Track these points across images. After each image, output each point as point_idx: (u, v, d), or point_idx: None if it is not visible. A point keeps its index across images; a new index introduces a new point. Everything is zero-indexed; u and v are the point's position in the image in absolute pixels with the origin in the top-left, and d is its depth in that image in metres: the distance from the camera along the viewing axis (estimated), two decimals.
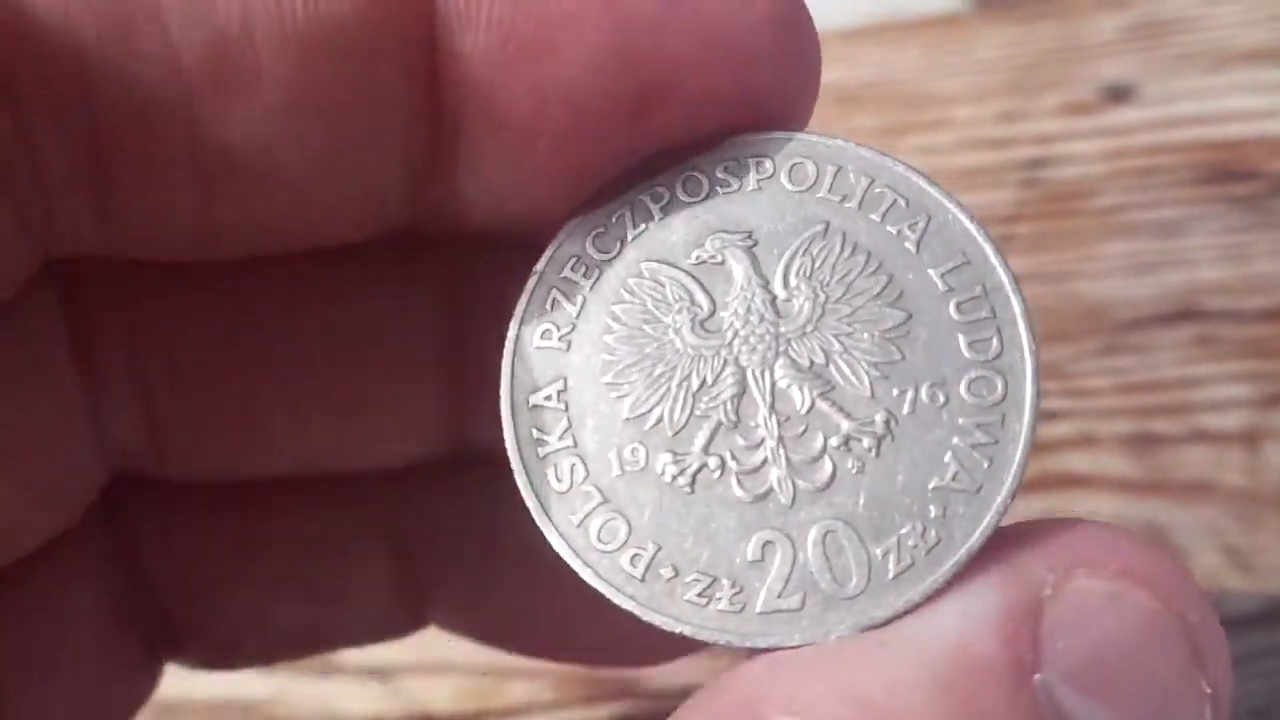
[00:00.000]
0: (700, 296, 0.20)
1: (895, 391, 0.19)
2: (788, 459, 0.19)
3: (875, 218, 0.20)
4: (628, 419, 0.19)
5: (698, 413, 0.19)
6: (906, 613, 0.18)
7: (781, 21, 0.19)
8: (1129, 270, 0.42)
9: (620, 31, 0.19)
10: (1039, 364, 0.19)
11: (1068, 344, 0.41)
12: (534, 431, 0.19)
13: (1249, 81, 0.47)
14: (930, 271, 0.19)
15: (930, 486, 0.19)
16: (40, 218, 0.20)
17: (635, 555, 0.19)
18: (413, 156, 0.21)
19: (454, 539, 0.27)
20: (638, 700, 0.34)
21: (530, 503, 0.19)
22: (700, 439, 0.19)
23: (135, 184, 0.20)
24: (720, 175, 0.20)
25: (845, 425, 0.19)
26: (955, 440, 0.19)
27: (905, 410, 0.19)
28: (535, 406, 0.19)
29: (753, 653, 0.19)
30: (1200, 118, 0.46)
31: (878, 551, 0.18)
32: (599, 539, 0.19)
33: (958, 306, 0.19)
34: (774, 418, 0.19)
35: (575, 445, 0.19)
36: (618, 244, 0.20)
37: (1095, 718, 0.16)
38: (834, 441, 0.19)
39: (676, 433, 0.19)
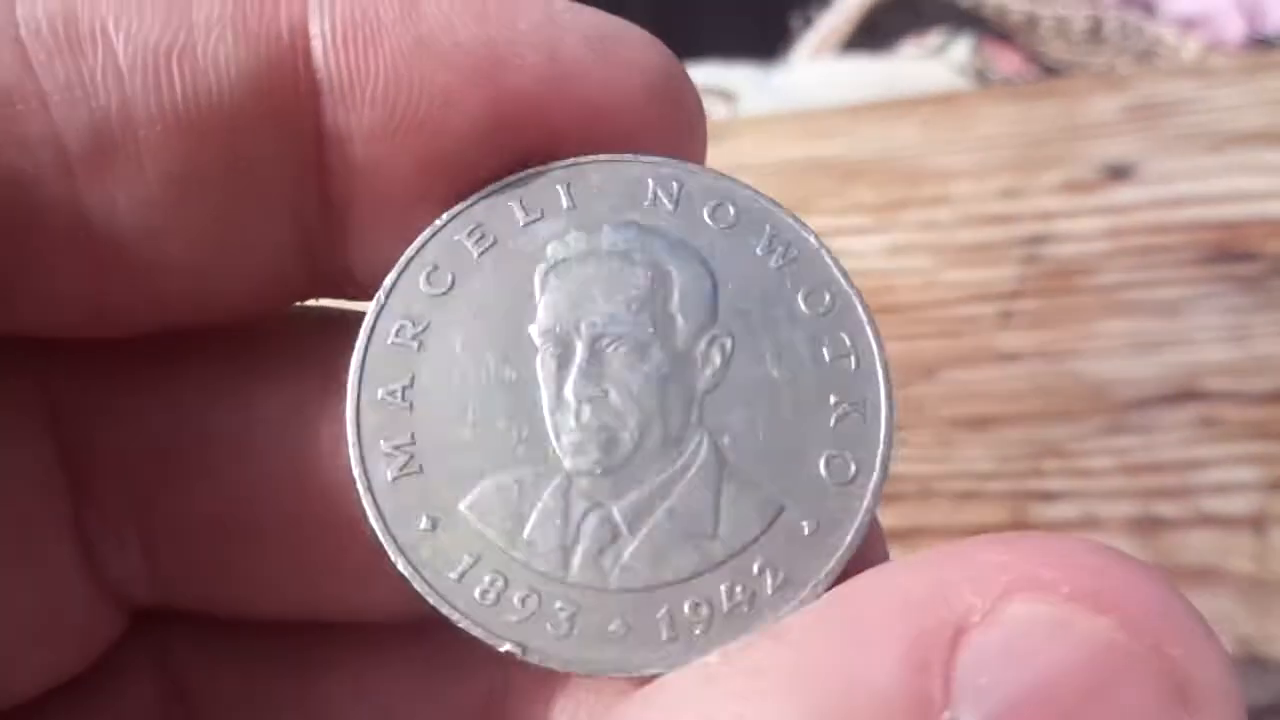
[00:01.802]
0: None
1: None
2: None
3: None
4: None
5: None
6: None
7: (656, 91, 0.20)
8: (1130, 349, 0.42)
9: (501, 104, 0.19)
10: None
11: (1069, 423, 0.40)
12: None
13: (1248, 163, 0.47)
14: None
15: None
16: None
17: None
18: (304, 234, 0.21)
19: None
20: None
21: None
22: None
23: (24, 271, 0.19)
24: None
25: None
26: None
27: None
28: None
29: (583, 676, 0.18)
30: (1200, 198, 0.46)
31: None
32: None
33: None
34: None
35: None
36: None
37: None
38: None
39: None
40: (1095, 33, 0.54)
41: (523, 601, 0.18)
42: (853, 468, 0.19)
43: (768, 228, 0.20)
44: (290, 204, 0.20)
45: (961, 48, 0.54)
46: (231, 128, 0.19)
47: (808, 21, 0.63)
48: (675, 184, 0.20)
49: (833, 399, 0.19)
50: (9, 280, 0.19)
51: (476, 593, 0.19)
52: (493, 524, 0.19)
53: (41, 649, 0.22)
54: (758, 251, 0.20)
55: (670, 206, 0.20)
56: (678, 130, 0.20)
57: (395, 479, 0.19)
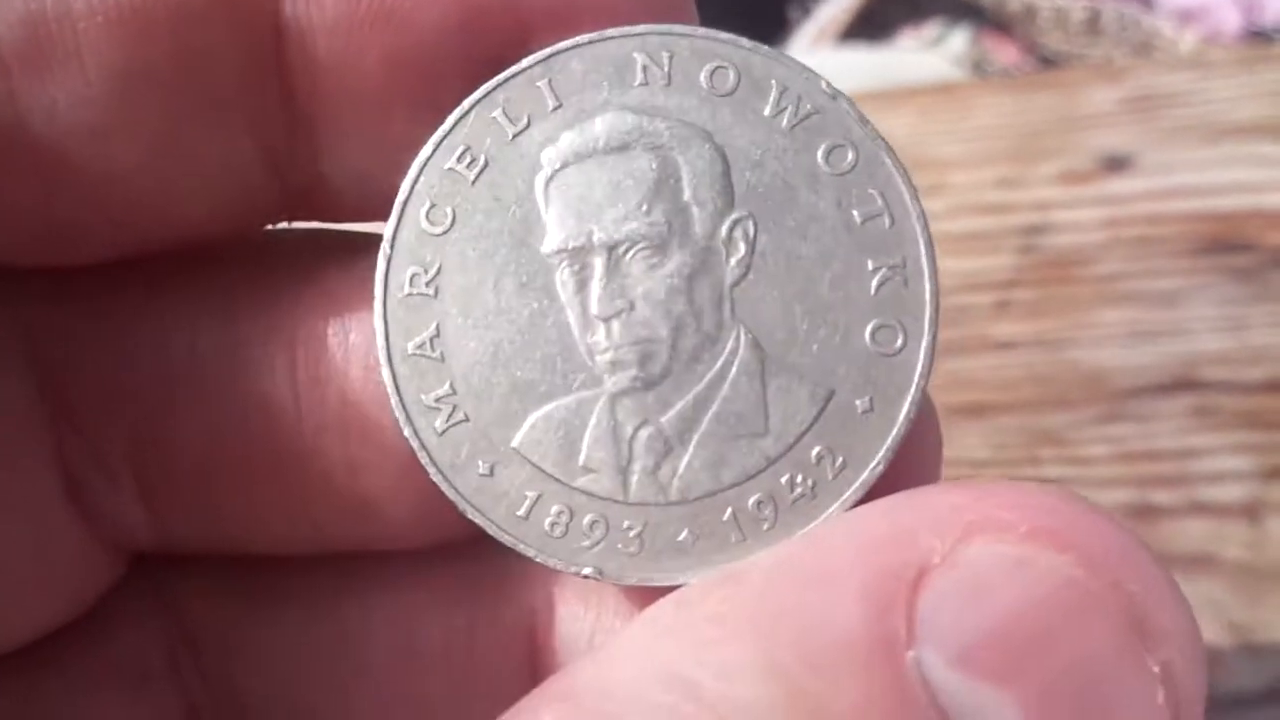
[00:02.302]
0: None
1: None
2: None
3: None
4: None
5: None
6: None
7: None
8: (1127, 338, 0.42)
9: None
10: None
11: (1065, 411, 0.40)
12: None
13: (1245, 154, 0.47)
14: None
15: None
16: None
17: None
18: (268, 141, 0.19)
19: None
20: None
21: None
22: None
23: None
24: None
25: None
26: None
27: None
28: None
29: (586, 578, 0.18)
30: (1197, 189, 0.46)
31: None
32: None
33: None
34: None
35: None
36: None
37: (989, 706, 0.14)
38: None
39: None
40: (1093, 24, 0.54)
41: (591, 527, 0.18)
42: (900, 336, 0.18)
43: (774, 84, 0.19)
44: (248, 105, 0.19)
45: (959, 39, 0.54)
46: (178, 18, 0.18)
47: (806, 12, 0.64)
48: (665, 54, 0.19)
49: (870, 264, 0.18)
50: None
51: (546, 525, 0.19)
52: (547, 457, 0.19)
53: (32, 592, 0.21)
54: (766, 113, 0.19)
55: (664, 81, 0.19)
56: (655, 7, 0.19)
57: (444, 430, 0.19)
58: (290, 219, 0.21)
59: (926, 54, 0.54)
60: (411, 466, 0.19)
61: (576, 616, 0.21)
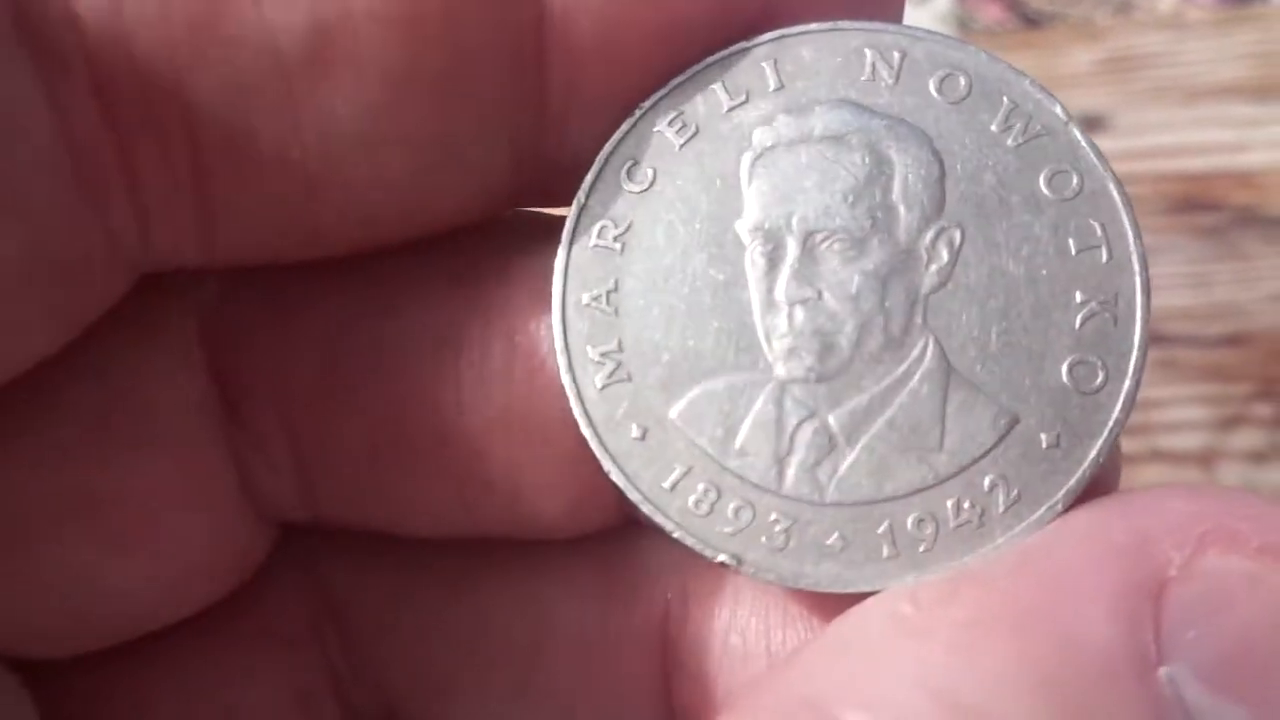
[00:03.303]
0: None
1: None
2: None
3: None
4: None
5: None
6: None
7: None
8: None
9: None
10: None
11: None
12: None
13: (1217, 116, 0.49)
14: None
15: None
16: (135, 235, 0.18)
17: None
18: (518, 133, 0.19)
19: None
20: None
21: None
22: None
23: (235, 191, 0.18)
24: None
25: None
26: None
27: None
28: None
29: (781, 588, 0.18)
30: (1170, 149, 0.48)
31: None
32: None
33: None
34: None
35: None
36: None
37: None
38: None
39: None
40: None
41: (736, 513, 0.18)
42: (1100, 374, 0.17)
43: (1005, 100, 0.18)
44: (509, 102, 0.18)
45: (968, 43, 0.55)
46: (452, 20, 0.17)
47: None
48: (897, 54, 0.18)
49: (1079, 296, 0.17)
50: (213, 206, 0.18)
51: (690, 502, 0.18)
52: (704, 433, 0.18)
53: (202, 569, 0.21)
54: (993, 129, 0.18)
55: (891, 80, 0.18)
56: None
57: (604, 386, 0.18)
58: (518, 204, 0.21)
59: (912, 12, 0.55)
60: (568, 466, 0.19)
61: (710, 613, 0.21)
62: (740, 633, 0.20)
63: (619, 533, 0.21)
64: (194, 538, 0.21)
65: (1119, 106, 0.49)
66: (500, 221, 0.21)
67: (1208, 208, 0.46)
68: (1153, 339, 0.47)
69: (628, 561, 0.22)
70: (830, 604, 0.18)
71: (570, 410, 0.18)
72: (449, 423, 0.20)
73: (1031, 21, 0.53)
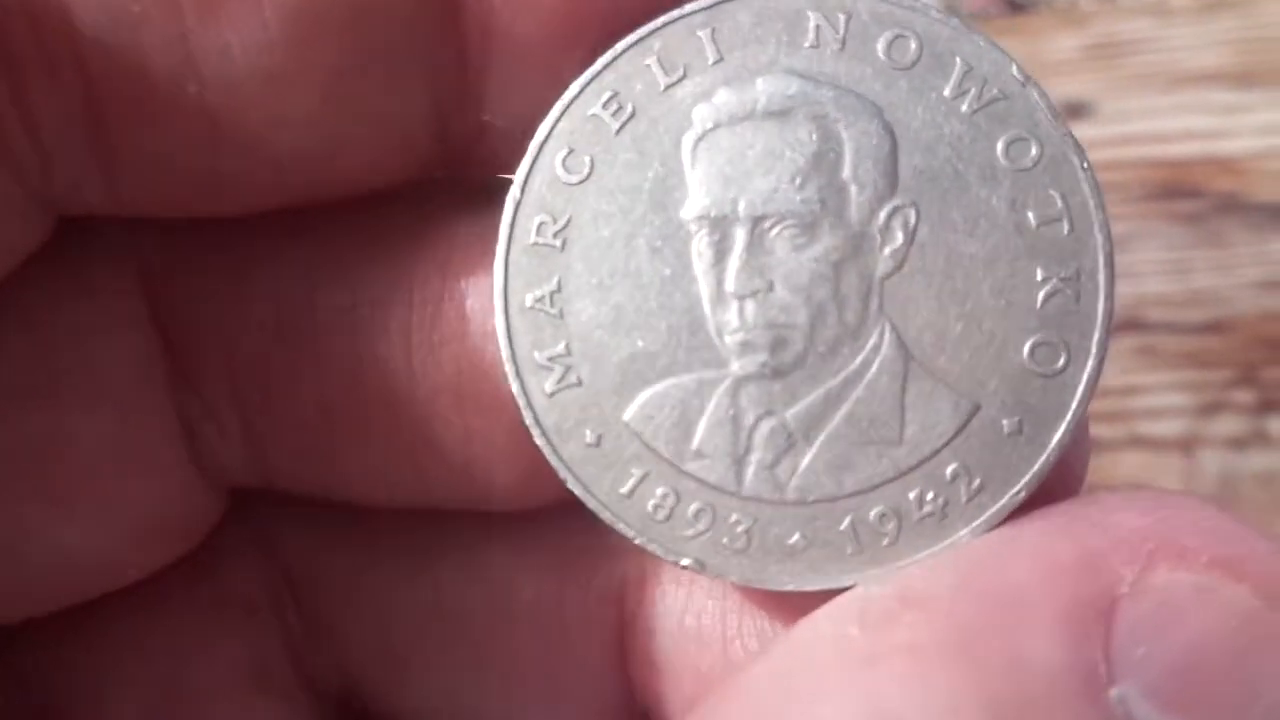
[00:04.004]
0: None
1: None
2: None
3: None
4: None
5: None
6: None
7: None
8: None
9: None
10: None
11: None
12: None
13: (1199, 103, 0.49)
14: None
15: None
16: (36, 171, 0.18)
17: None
18: (438, 90, 0.18)
19: None
20: None
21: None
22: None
23: (133, 127, 0.18)
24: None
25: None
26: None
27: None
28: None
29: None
30: (1152, 136, 0.48)
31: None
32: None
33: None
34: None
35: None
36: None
37: None
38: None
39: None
40: None
41: (697, 516, 0.17)
42: (1063, 355, 0.16)
43: (958, 62, 0.17)
44: (421, 51, 0.18)
45: None
46: None
47: None
48: (842, 15, 0.17)
49: (1040, 273, 0.17)
50: (112, 142, 0.18)
51: (649, 507, 0.17)
52: (659, 436, 0.17)
53: (147, 532, 0.21)
54: (946, 93, 0.17)
55: (837, 45, 0.17)
56: None
57: (554, 393, 0.18)
58: (446, 171, 0.20)
59: None
60: (521, 433, 0.19)
61: (668, 593, 0.21)
62: (696, 614, 0.20)
63: (578, 510, 0.21)
64: (140, 498, 0.21)
65: (1103, 93, 0.49)
66: (448, 185, 0.20)
67: (1189, 194, 0.46)
68: (1133, 325, 0.47)
69: (586, 539, 0.21)
70: (789, 594, 0.18)
71: (521, 418, 0.18)
72: (400, 387, 0.20)
73: (1016, 7, 0.53)
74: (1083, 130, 0.52)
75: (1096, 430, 0.42)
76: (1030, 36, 0.52)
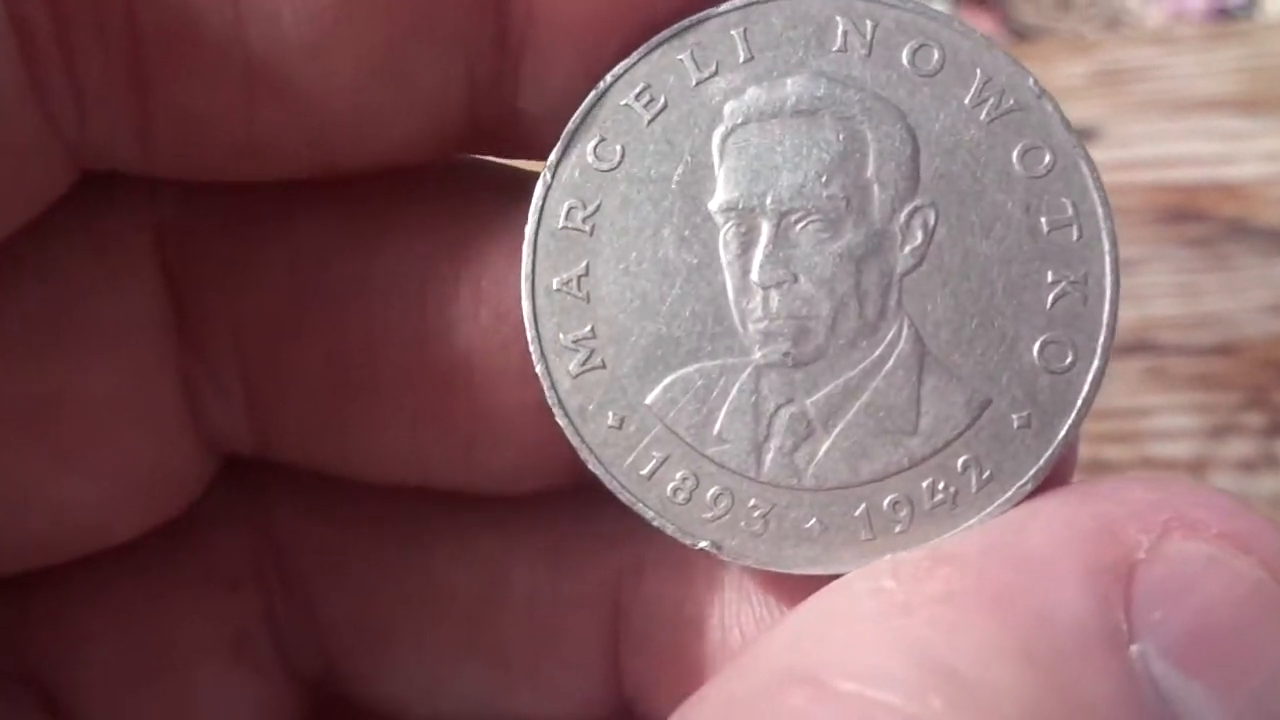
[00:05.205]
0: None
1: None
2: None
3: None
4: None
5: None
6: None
7: None
8: None
9: None
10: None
11: None
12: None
13: (1205, 129, 0.49)
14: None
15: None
16: (74, 122, 0.18)
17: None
18: (476, 70, 0.18)
19: None
20: None
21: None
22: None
23: (176, 85, 0.18)
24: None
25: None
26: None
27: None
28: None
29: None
30: (1159, 161, 0.48)
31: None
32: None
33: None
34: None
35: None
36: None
37: (1194, 699, 0.14)
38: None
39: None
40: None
41: (715, 500, 0.18)
42: (1070, 354, 0.17)
43: (978, 73, 0.17)
44: (463, 29, 0.18)
45: (939, 10, 0.56)
46: None
47: None
48: (869, 22, 0.18)
49: (1050, 275, 0.17)
50: (151, 100, 0.18)
51: (669, 490, 0.18)
52: (680, 420, 0.18)
53: (141, 490, 0.21)
54: (966, 102, 0.17)
55: (864, 51, 0.18)
56: None
57: (578, 374, 0.18)
58: (476, 152, 0.20)
59: None
60: (526, 416, 0.19)
61: (664, 581, 0.21)
62: (694, 603, 0.20)
63: (574, 496, 0.21)
64: (136, 456, 0.21)
65: (1109, 118, 0.50)
66: (472, 167, 0.21)
67: (1196, 219, 0.47)
68: (1143, 347, 0.47)
69: (582, 525, 0.21)
70: (786, 580, 0.18)
71: (532, 365, 0.18)
72: (409, 362, 0.20)
73: (1022, 35, 0.53)
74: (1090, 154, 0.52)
75: (1106, 452, 0.42)
76: (1036, 64, 0.52)
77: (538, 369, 0.18)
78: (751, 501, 0.18)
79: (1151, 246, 0.46)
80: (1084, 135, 0.50)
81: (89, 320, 0.20)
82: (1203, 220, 0.46)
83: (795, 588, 0.18)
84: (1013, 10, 0.54)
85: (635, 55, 0.18)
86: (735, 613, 0.20)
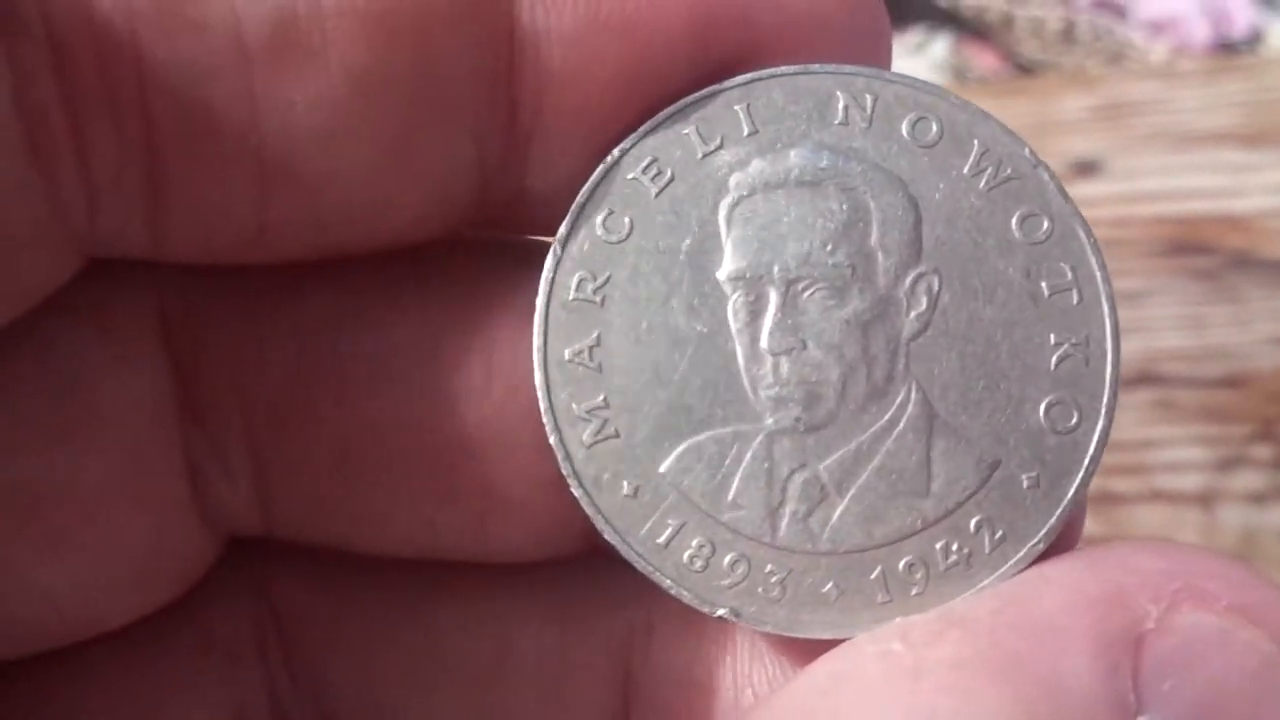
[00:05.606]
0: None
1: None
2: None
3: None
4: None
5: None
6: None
7: (856, 1, 0.18)
8: None
9: (706, 6, 0.18)
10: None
11: None
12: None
13: (1208, 162, 0.50)
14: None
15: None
16: (83, 212, 0.18)
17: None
18: (486, 152, 0.19)
19: None
20: None
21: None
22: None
23: (186, 177, 0.18)
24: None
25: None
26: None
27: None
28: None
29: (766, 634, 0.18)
30: (1163, 194, 0.49)
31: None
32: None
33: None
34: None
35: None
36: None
37: None
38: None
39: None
40: (1068, 34, 0.56)
41: (733, 566, 0.18)
42: (1075, 414, 0.18)
43: (976, 144, 0.18)
44: (475, 114, 0.18)
45: (940, 46, 0.56)
46: (422, 25, 0.17)
47: None
48: (869, 96, 0.18)
49: (1053, 338, 0.18)
50: (163, 190, 0.18)
51: (685, 557, 0.18)
52: (695, 488, 0.18)
53: (144, 574, 0.21)
54: (965, 172, 0.18)
55: (864, 124, 0.18)
56: (868, 37, 0.18)
57: (592, 444, 0.18)
58: (484, 228, 0.21)
59: (909, 60, 0.56)
60: (540, 488, 0.19)
61: (674, 642, 0.21)
62: (705, 664, 0.20)
63: (582, 559, 0.21)
64: (135, 542, 0.21)
65: (1112, 152, 0.50)
66: (478, 242, 0.21)
67: (1201, 251, 0.47)
68: (1149, 379, 0.47)
69: (590, 589, 0.21)
70: (798, 639, 0.18)
71: (545, 438, 0.18)
72: (421, 438, 0.20)
73: (1026, 70, 0.54)
74: (1092, 187, 0.52)
75: (1115, 484, 0.42)
76: (1039, 98, 0.53)
77: (551, 440, 0.18)
78: (768, 567, 0.18)
79: (1157, 279, 0.46)
80: (1087, 168, 0.50)
81: (90, 403, 0.20)
82: (1208, 253, 0.47)
83: (807, 647, 0.18)
84: (1016, 45, 0.55)
85: (642, 131, 0.18)
86: (748, 673, 0.20)
